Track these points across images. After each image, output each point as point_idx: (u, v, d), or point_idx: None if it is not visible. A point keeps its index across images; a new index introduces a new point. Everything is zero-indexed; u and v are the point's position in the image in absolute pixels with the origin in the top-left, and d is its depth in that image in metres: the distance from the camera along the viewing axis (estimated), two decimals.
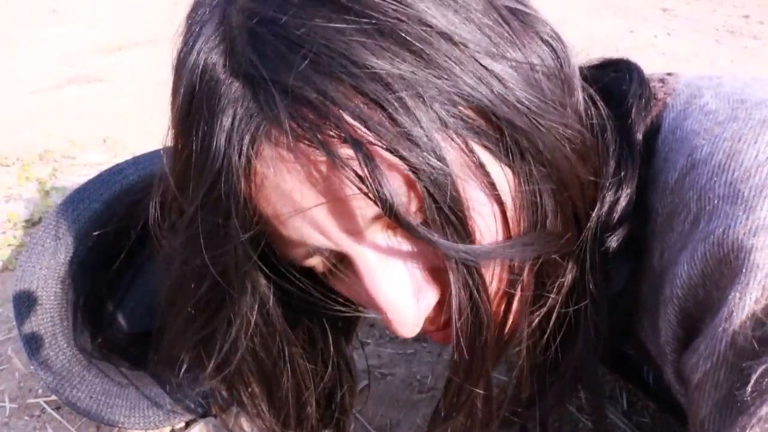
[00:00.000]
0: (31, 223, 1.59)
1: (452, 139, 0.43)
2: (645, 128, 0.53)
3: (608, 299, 0.53)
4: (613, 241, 0.51)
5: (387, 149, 0.41)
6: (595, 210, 0.51)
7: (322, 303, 0.63)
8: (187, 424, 0.97)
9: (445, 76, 0.43)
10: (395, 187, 0.42)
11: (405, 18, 0.43)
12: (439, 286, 0.50)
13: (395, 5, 0.43)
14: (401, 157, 0.42)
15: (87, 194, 0.93)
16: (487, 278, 0.48)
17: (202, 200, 0.46)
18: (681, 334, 0.47)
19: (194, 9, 0.48)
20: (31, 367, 0.95)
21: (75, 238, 0.90)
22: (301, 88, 0.41)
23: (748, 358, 0.39)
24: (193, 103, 0.46)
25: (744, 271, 0.40)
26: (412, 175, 0.42)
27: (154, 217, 0.55)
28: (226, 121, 0.44)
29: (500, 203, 0.46)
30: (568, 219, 0.50)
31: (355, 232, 0.47)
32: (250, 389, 0.64)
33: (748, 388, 0.38)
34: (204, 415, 0.94)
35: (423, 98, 0.42)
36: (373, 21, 0.42)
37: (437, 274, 0.50)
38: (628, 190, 0.51)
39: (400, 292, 0.48)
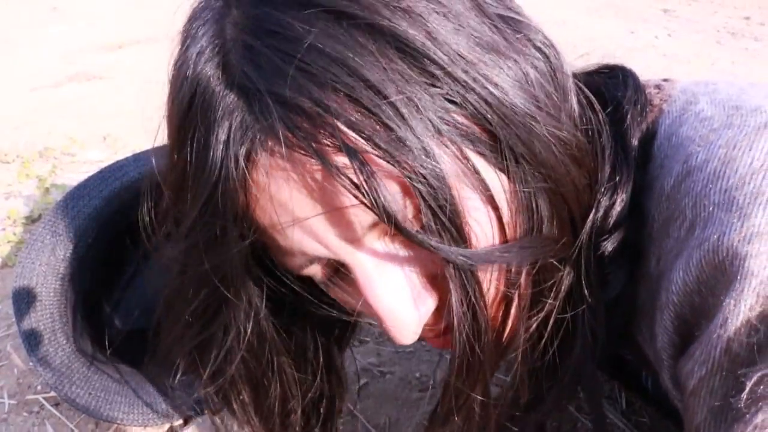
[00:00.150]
0: (31, 220, 1.59)
1: (446, 146, 0.44)
2: (641, 134, 0.53)
3: (605, 304, 0.54)
4: (609, 246, 0.52)
5: (382, 157, 0.42)
6: (591, 214, 0.52)
7: (321, 311, 0.63)
8: (186, 421, 0.96)
9: (439, 84, 0.43)
10: (391, 194, 0.43)
11: (398, 27, 0.43)
12: (437, 293, 0.50)
13: (389, 14, 0.43)
14: (396, 165, 0.42)
15: (87, 191, 0.93)
16: (485, 284, 0.48)
17: (199, 211, 0.47)
18: (677, 340, 0.47)
19: (189, 22, 0.49)
20: (30, 364, 0.95)
21: (75, 235, 0.90)
22: (295, 98, 0.42)
23: (743, 364, 0.40)
24: (189, 115, 0.46)
25: (739, 278, 0.40)
26: (407, 182, 0.42)
27: (145, 224, 0.56)
28: (222, 133, 0.44)
29: (496, 208, 0.46)
30: (564, 223, 0.50)
31: (352, 240, 0.47)
32: (241, 397, 0.65)
33: (744, 396, 0.38)
34: (202, 413, 0.94)
35: (417, 106, 0.42)
36: (367, 30, 0.43)
37: (435, 281, 0.50)
38: (623, 195, 0.51)
39: (398, 299, 0.49)
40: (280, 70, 0.42)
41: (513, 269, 0.49)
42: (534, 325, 0.53)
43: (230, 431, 0.73)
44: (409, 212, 0.45)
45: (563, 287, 0.52)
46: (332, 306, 0.64)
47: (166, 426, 0.98)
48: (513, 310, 0.51)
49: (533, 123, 0.46)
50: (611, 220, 0.51)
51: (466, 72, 0.44)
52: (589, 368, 0.55)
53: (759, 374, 0.38)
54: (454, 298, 0.47)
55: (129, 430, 0.99)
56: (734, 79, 2.39)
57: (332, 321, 0.71)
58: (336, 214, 0.45)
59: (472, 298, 0.47)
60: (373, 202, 0.42)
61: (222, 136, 0.44)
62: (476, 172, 0.45)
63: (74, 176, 1.78)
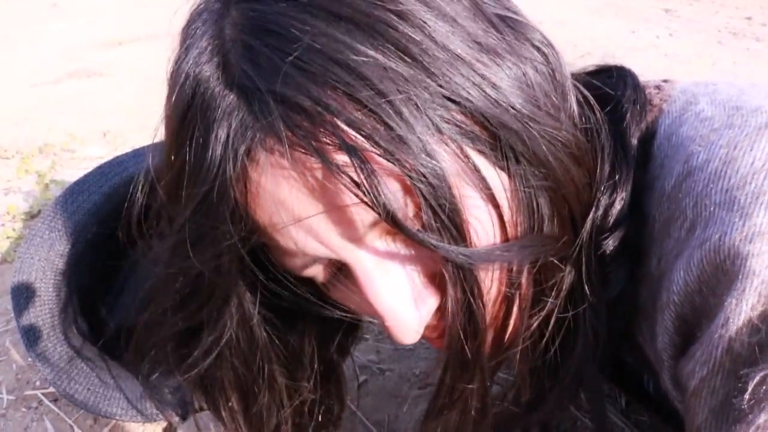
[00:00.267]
0: (30, 216, 1.59)
1: (446, 144, 0.44)
2: (640, 133, 0.53)
3: (607, 303, 0.53)
4: (609, 245, 0.52)
5: (382, 155, 0.42)
6: (591, 213, 0.52)
7: (324, 312, 0.63)
8: (184, 417, 0.96)
9: (438, 83, 0.43)
10: (392, 192, 0.43)
11: (397, 26, 0.43)
12: (439, 293, 0.50)
13: (387, 13, 0.44)
14: (397, 163, 0.42)
15: (86, 186, 0.93)
16: (486, 282, 0.48)
17: (193, 210, 0.47)
18: (678, 340, 0.47)
19: (189, 24, 0.49)
20: (29, 359, 0.95)
21: (74, 231, 0.90)
22: (294, 97, 0.42)
23: (744, 364, 0.40)
24: (188, 115, 0.46)
25: (740, 277, 0.40)
26: (407, 181, 0.42)
27: (138, 220, 0.56)
28: (222, 133, 0.44)
29: (496, 206, 0.46)
30: (564, 222, 0.50)
31: (353, 239, 0.47)
32: (229, 404, 0.65)
33: (746, 396, 0.38)
34: (200, 409, 0.94)
35: (416, 104, 0.42)
36: (366, 31, 0.43)
37: (437, 281, 0.50)
38: (623, 193, 0.51)
39: (400, 298, 0.48)
40: (280, 69, 0.42)
41: (514, 268, 0.49)
42: (535, 324, 0.53)
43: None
44: (410, 211, 0.45)
45: (564, 286, 0.52)
46: (334, 308, 0.64)
47: (165, 422, 0.97)
48: (514, 309, 0.51)
49: (532, 123, 0.46)
50: (611, 219, 0.51)
51: (464, 71, 0.44)
52: (591, 368, 0.55)
53: (761, 374, 0.38)
54: (451, 296, 0.47)
55: (127, 426, 0.99)
56: (735, 79, 2.39)
57: (332, 327, 0.71)
58: (336, 213, 0.45)
59: (470, 297, 0.46)
60: (374, 200, 0.42)
61: (222, 136, 0.44)
62: (476, 170, 0.45)
63: (74, 172, 1.78)
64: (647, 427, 0.91)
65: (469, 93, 0.44)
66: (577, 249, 0.52)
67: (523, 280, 0.50)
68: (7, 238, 1.49)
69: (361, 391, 1.00)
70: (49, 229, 0.90)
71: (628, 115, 0.54)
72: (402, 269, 0.49)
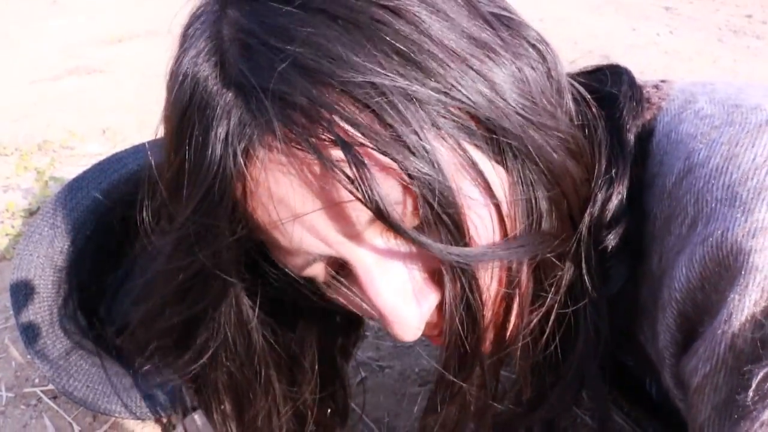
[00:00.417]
0: (29, 213, 1.58)
1: (444, 139, 0.44)
2: (637, 129, 0.54)
3: (607, 299, 0.53)
4: (609, 240, 0.52)
5: (379, 150, 0.42)
6: (588, 207, 0.52)
7: (324, 313, 0.63)
8: (183, 414, 0.96)
9: (434, 80, 0.44)
10: (388, 189, 0.43)
11: (393, 23, 0.44)
12: (439, 289, 0.50)
13: (383, 12, 0.44)
14: (393, 159, 0.42)
15: (85, 183, 0.93)
16: (485, 279, 0.48)
17: (194, 208, 0.47)
18: (679, 338, 0.47)
19: (187, 26, 0.49)
20: (28, 356, 0.94)
21: (73, 227, 0.90)
22: (291, 94, 0.42)
23: (747, 360, 0.40)
24: (187, 114, 0.46)
25: (743, 273, 0.40)
26: (405, 176, 0.42)
27: (143, 221, 0.56)
28: (221, 131, 0.44)
29: (495, 201, 0.46)
30: (563, 217, 0.50)
31: (352, 235, 0.47)
32: (222, 407, 0.65)
33: (750, 393, 0.38)
34: (198, 407, 0.94)
35: (413, 100, 0.43)
36: (361, 28, 0.43)
37: (437, 277, 0.50)
38: (620, 188, 0.51)
39: (400, 295, 0.48)
40: (276, 68, 0.42)
41: (513, 265, 0.49)
42: (535, 320, 0.53)
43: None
44: (409, 206, 0.45)
45: (564, 282, 0.52)
46: (335, 309, 0.64)
47: (164, 419, 0.97)
48: (514, 305, 0.51)
49: (528, 119, 0.46)
50: (609, 213, 0.52)
51: (459, 68, 0.44)
52: (592, 365, 0.55)
53: (765, 370, 0.38)
54: (450, 293, 0.47)
55: (126, 423, 0.99)
56: (735, 77, 2.39)
57: (334, 330, 0.71)
58: (335, 210, 0.45)
59: (468, 294, 0.46)
60: (366, 196, 0.42)
61: (221, 134, 0.44)
62: (474, 164, 0.45)
63: (73, 169, 1.77)
64: (649, 425, 0.91)
65: (465, 89, 0.44)
66: (576, 244, 0.52)
67: (523, 276, 0.50)
68: (6, 235, 1.49)
69: (361, 388, 1.00)
70: (48, 226, 0.90)
71: (625, 110, 0.54)
72: (402, 266, 0.49)
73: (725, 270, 0.41)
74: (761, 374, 0.38)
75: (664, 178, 0.49)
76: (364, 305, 0.53)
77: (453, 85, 0.44)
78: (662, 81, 0.58)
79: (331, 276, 0.53)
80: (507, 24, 0.49)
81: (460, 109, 0.44)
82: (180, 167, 0.47)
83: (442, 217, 0.44)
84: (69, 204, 0.91)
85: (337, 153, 0.42)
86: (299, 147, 0.43)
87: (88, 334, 0.93)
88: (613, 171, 0.52)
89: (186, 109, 0.46)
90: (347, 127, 0.42)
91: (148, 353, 0.63)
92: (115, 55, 3.03)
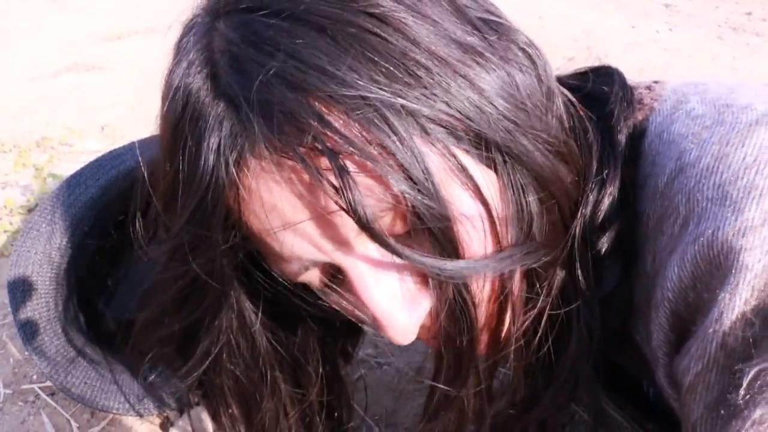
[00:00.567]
0: (28, 210, 1.58)
1: (432, 144, 0.44)
2: (629, 130, 0.54)
3: (601, 300, 0.54)
4: (601, 241, 0.52)
5: (367, 159, 0.42)
6: (580, 209, 0.52)
7: (324, 314, 0.63)
8: (182, 411, 0.96)
9: (422, 86, 0.44)
10: (376, 198, 0.43)
11: (379, 32, 0.44)
12: (433, 293, 0.50)
13: (370, 20, 0.44)
14: (381, 167, 0.42)
15: (83, 179, 0.92)
16: (478, 283, 0.48)
17: (188, 218, 0.48)
18: (672, 337, 0.47)
19: (181, 37, 0.50)
20: (26, 353, 0.94)
21: (71, 224, 0.90)
22: (279, 104, 0.43)
23: (738, 359, 0.40)
24: (180, 126, 0.47)
25: (733, 272, 0.40)
26: (392, 185, 0.42)
27: (137, 227, 0.57)
28: (213, 141, 0.45)
29: (485, 204, 0.46)
30: (554, 220, 0.50)
31: (344, 242, 0.47)
32: (230, 410, 0.65)
33: (741, 392, 0.38)
34: (196, 404, 0.94)
35: (400, 107, 0.43)
36: (349, 37, 0.44)
37: (430, 281, 0.50)
38: (611, 189, 0.52)
39: (394, 300, 0.49)
40: (265, 78, 0.43)
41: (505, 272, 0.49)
42: (527, 322, 0.53)
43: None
44: (398, 214, 0.45)
45: (556, 283, 0.53)
46: (331, 314, 0.64)
47: (162, 416, 0.97)
48: (507, 309, 0.51)
49: (517, 123, 0.46)
50: (601, 214, 0.52)
51: (447, 74, 0.44)
52: (586, 366, 0.55)
53: (756, 369, 0.38)
54: (441, 299, 0.47)
55: (124, 420, 0.99)
56: (734, 74, 2.39)
57: (334, 332, 0.72)
58: (325, 217, 0.45)
59: (459, 300, 0.47)
60: (350, 206, 0.42)
61: (213, 144, 0.45)
62: (463, 168, 0.45)
63: (72, 166, 1.77)
64: (647, 424, 0.91)
65: (453, 95, 0.44)
66: (569, 246, 0.52)
67: (515, 281, 0.50)
68: (5, 231, 1.49)
69: (359, 385, 1.00)
70: (46, 223, 0.90)
71: (616, 112, 0.54)
72: (395, 271, 0.49)
73: (716, 269, 0.42)
74: (752, 373, 0.38)
75: (656, 178, 0.49)
76: (357, 311, 0.54)
77: (441, 92, 0.44)
78: (655, 82, 0.58)
79: (324, 283, 0.54)
80: (495, 28, 0.49)
81: (448, 114, 0.44)
82: (174, 177, 0.48)
83: (430, 223, 0.44)
84: (67, 200, 0.91)
85: (324, 162, 0.42)
86: (287, 156, 0.43)
87: (86, 330, 0.93)
88: (605, 172, 0.52)
89: (179, 120, 0.47)
90: (334, 136, 0.42)
91: (151, 360, 0.64)
92: (114, 52, 3.02)
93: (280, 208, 0.46)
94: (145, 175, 0.53)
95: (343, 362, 0.77)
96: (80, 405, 0.98)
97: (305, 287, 0.57)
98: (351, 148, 0.42)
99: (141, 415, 0.92)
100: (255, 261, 0.55)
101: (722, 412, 0.40)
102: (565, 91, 0.54)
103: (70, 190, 0.92)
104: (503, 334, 0.52)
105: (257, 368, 0.63)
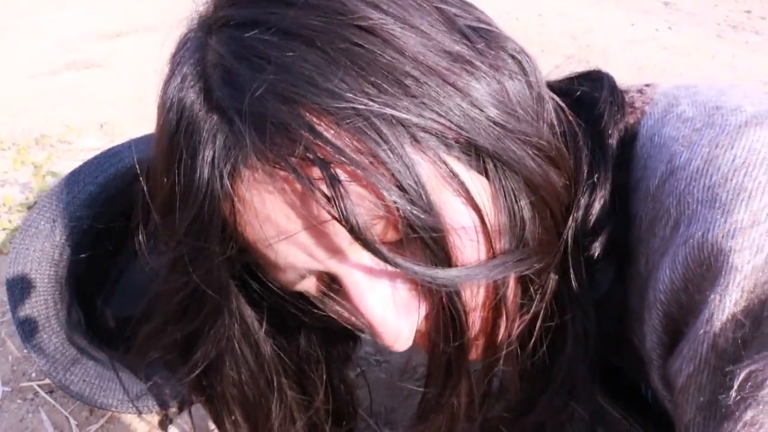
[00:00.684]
0: (26, 207, 1.58)
1: (423, 152, 0.44)
2: (619, 133, 0.54)
3: (595, 303, 0.54)
4: (594, 245, 0.52)
5: (358, 168, 0.42)
6: (572, 213, 0.52)
7: (323, 321, 0.63)
8: (180, 408, 0.96)
9: (412, 96, 0.44)
10: (368, 207, 0.43)
11: (369, 44, 0.44)
12: (428, 299, 0.50)
13: (359, 32, 0.45)
14: (372, 176, 0.42)
15: (82, 177, 0.92)
16: (473, 290, 0.49)
17: (185, 230, 0.48)
18: (666, 339, 0.47)
19: (175, 51, 0.51)
20: (25, 351, 0.94)
21: (69, 221, 0.90)
22: (272, 116, 0.43)
23: (729, 360, 0.40)
24: (175, 139, 0.48)
25: (723, 273, 0.40)
26: (385, 194, 0.43)
27: (139, 236, 0.57)
28: (208, 154, 0.46)
29: (478, 211, 0.47)
30: (546, 225, 0.51)
31: (339, 251, 0.48)
32: (233, 417, 0.65)
33: (732, 393, 0.38)
34: (196, 402, 0.94)
35: (390, 117, 0.43)
36: (339, 50, 0.44)
37: (425, 288, 0.50)
38: (602, 192, 0.52)
39: (389, 307, 0.49)
40: (257, 91, 0.44)
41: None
42: (522, 326, 0.53)
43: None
44: (391, 222, 0.45)
45: (549, 288, 0.53)
46: (329, 321, 0.64)
47: (161, 413, 0.97)
48: (501, 314, 0.51)
49: (507, 130, 0.47)
50: (592, 218, 0.52)
51: (436, 83, 0.45)
52: (582, 368, 0.56)
53: (747, 370, 0.38)
54: (432, 306, 0.48)
55: (123, 417, 0.99)
56: (734, 72, 2.39)
57: (335, 337, 0.72)
58: (319, 227, 0.46)
59: (451, 307, 0.47)
60: (342, 215, 0.42)
61: (207, 157, 0.46)
62: (455, 175, 0.45)
63: (71, 164, 1.77)
64: (646, 425, 0.91)
65: (443, 104, 0.45)
66: (562, 250, 0.52)
67: (511, 285, 0.51)
68: (3, 229, 1.49)
69: (358, 383, 1.00)
70: (45, 220, 0.90)
71: (606, 115, 0.54)
72: (389, 279, 0.50)
73: (707, 270, 0.42)
74: (743, 374, 0.38)
75: (647, 181, 0.50)
76: (353, 318, 0.54)
77: (430, 101, 0.44)
78: (646, 85, 0.59)
79: (321, 292, 0.54)
80: (484, 36, 0.49)
81: (438, 123, 0.45)
82: (171, 190, 0.48)
83: (422, 232, 0.44)
84: (65, 198, 0.91)
85: (315, 172, 0.42)
86: (280, 167, 0.44)
87: (85, 328, 0.93)
88: (595, 176, 0.52)
89: (174, 134, 0.48)
90: (325, 146, 0.42)
91: (154, 365, 0.64)
92: (113, 49, 3.02)
93: (274, 219, 0.46)
94: (145, 188, 0.53)
95: (344, 366, 0.77)
96: (79, 402, 0.98)
97: (303, 296, 0.57)
98: (342, 158, 0.42)
99: (140, 413, 0.92)
100: (253, 271, 0.56)
101: (714, 413, 0.41)
102: (555, 97, 0.55)
103: (68, 187, 0.92)
104: (498, 340, 0.53)
105: (263, 374, 0.64)
